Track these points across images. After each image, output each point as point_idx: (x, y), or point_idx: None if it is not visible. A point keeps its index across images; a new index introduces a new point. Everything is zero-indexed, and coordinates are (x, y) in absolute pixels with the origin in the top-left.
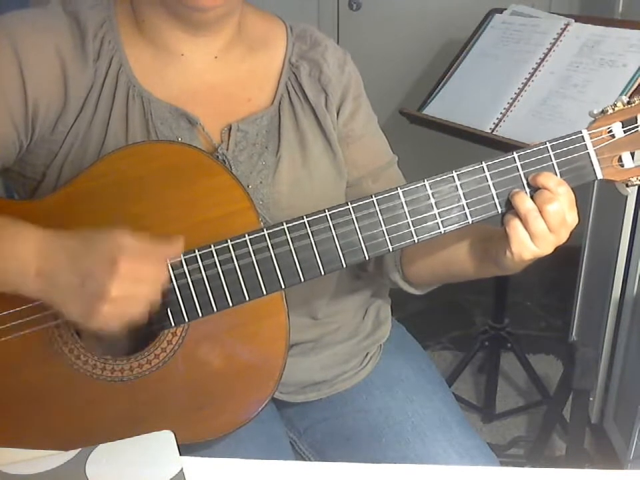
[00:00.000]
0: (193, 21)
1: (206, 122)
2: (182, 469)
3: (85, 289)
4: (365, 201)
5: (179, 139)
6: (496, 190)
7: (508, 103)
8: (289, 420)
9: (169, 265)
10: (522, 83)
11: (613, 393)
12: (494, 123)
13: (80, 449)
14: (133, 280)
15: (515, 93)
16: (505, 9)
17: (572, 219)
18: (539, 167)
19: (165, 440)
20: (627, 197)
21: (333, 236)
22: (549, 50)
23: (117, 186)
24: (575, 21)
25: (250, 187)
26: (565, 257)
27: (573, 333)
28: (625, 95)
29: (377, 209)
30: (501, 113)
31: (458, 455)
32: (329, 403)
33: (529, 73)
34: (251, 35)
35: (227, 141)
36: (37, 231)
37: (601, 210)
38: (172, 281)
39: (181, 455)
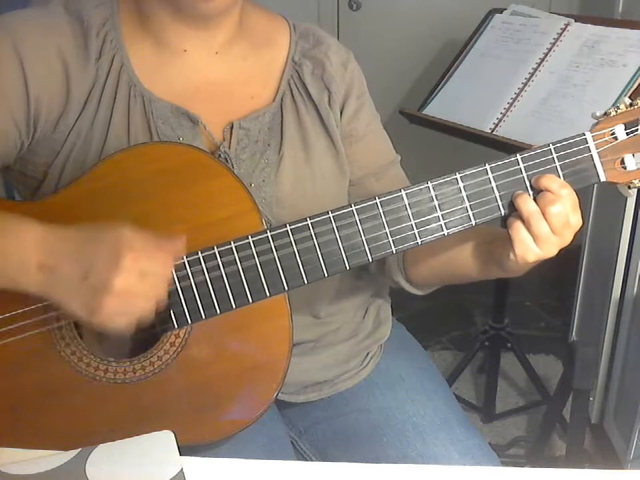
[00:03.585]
0: (197, 12)
1: (208, 120)
2: (182, 469)
3: (88, 282)
4: (368, 203)
5: (181, 139)
6: (499, 192)
7: (508, 103)
8: (289, 420)
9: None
10: (522, 83)
11: (613, 393)
12: (494, 123)
13: (80, 449)
14: (137, 273)
15: (515, 93)
16: (505, 9)
17: (575, 220)
18: (542, 169)
19: (165, 440)
20: (626, 197)
21: (336, 238)
22: (549, 50)
23: (120, 187)
24: (575, 21)
25: (252, 185)
26: (564, 257)
27: (573, 333)
28: (625, 95)
29: (380, 211)
30: (500, 113)
31: (459, 454)
32: (329, 403)
33: (529, 73)
34: (253, 33)
35: (229, 139)
36: (38, 225)
37: (601, 210)
38: (175, 283)
39: (181, 455)
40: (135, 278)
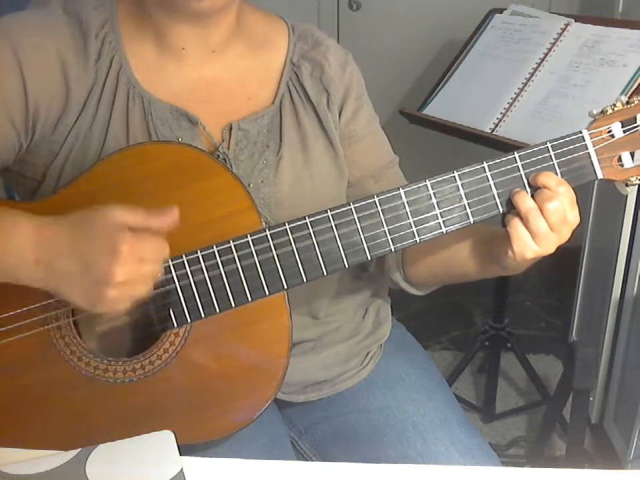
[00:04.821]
0: (190, 11)
1: (206, 121)
2: (182, 468)
3: (89, 275)
4: (366, 201)
5: (180, 139)
6: (497, 190)
7: (508, 103)
8: (290, 419)
9: (171, 265)
10: (522, 83)
11: (613, 393)
12: (494, 123)
13: (80, 449)
14: (136, 260)
15: (515, 93)
16: (505, 9)
17: (573, 217)
18: (539, 166)
19: (165, 440)
20: (626, 196)
21: (335, 236)
22: (549, 50)
23: (118, 187)
24: (575, 21)
25: (251, 186)
26: (565, 257)
27: (573, 333)
28: (625, 95)
29: (379, 209)
30: (500, 113)
31: (459, 453)
32: (329, 403)
33: (529, 73)
34: (251, 34)
35: (228, 140)
36: (33, 219)
37: (601, 210)
38: (174, 282)
39: (181, 455)
40: (134, 265)
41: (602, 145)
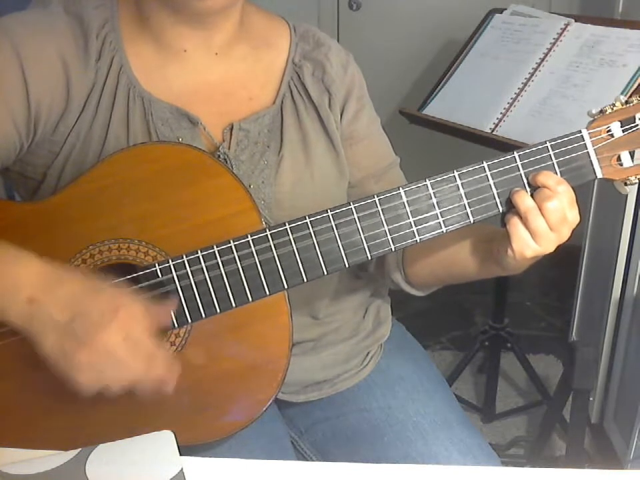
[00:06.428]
0: (191, 11)
1: (207, 121)
2: (182, 468)
3: (72, 327)
4: (367, 201)
5: (180, 139)
6: (497, 189)
7: (508, 103)
8: (290, 419)
9: (171, 265)
10: (522, 83)
11: (613, 393)
12: (494, 123)
13: (80, 449)
14: (124, 337)
15: (515, 93)
16: (505, 9)
17: (572, 216)
18: (539, 166)
19: (165, 440)
20: (626, 196)
21: (335, 236)
22: (549, 50)
23: (119, 187)
24: (575, 21)
25: (252, 186)
26: (564, 257)
27: (573, 333)
28: (624, 95)
29: (379, 209)
30: (501, 113)
31: (460, 453)
32: (330, 403)
33: (529, 73)
34: (253, 34)
35: (229, 140)
36: (41, 261)
37: (601, 210)
38: (175, 282)
39: (181, 455)
40: (120, 340)
41: (601, 144)
